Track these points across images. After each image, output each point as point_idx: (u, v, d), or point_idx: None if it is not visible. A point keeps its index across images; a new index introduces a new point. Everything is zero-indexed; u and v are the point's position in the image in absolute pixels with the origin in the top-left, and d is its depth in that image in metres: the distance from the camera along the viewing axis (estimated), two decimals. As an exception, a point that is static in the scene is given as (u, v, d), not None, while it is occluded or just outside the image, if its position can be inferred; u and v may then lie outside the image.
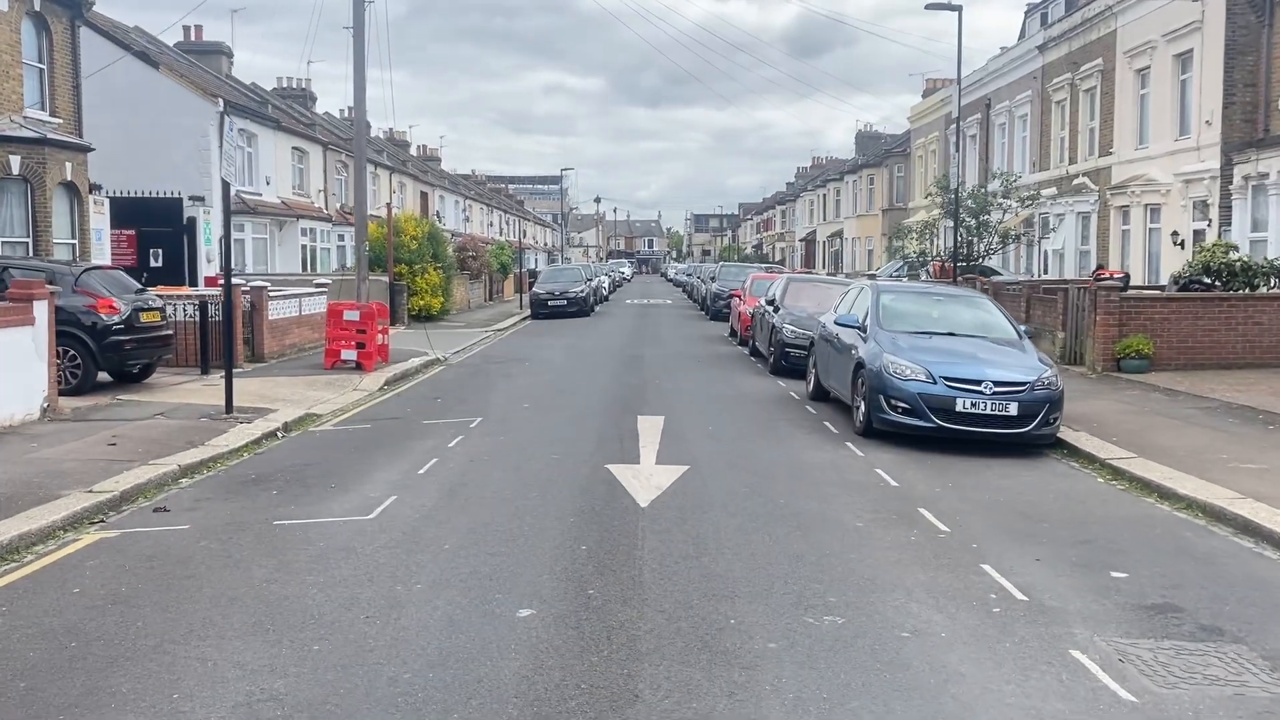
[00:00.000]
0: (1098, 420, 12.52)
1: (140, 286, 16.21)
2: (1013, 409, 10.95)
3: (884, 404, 11.39)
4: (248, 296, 19.76)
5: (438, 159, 71.98)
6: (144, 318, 15.31)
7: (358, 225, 21.33)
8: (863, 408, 11.87)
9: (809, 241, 75.17)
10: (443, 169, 70.95)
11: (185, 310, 18.00)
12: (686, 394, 15.71)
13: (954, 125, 33.17)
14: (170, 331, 16.20)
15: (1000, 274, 31.13)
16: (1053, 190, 33.11)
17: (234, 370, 18.17)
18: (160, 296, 17.97)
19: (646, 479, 9.36)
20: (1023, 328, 13.01)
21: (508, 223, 78.91)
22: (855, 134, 72.09)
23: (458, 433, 12.10)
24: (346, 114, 57.56)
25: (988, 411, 10.94)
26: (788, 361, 17.91)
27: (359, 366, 18.37)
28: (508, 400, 15.12)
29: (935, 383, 11.13)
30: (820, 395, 14.69)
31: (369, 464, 10.31)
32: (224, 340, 13.47)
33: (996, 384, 11.04)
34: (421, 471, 9.87)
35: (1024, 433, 11.02)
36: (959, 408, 10.97)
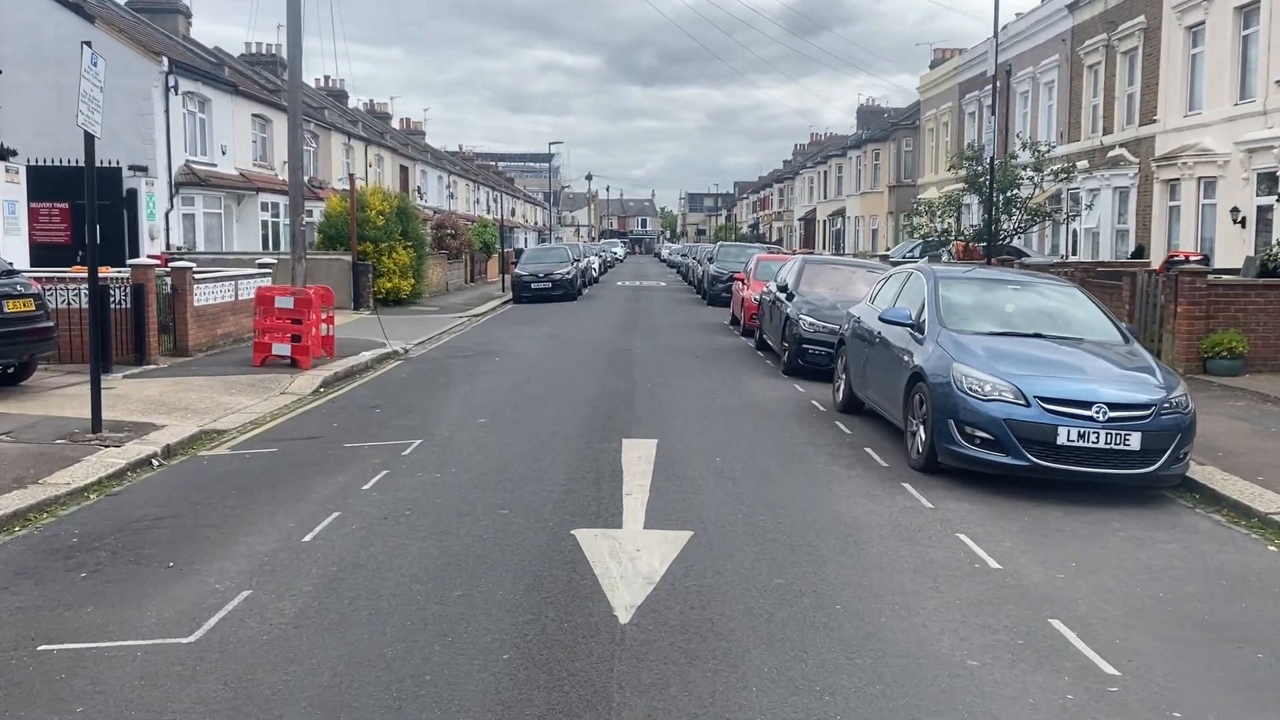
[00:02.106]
0: (1220, 446, 9.59)
1: (9, 268, 13.18)
2: (1134, 441, 7.95)
3: (955, 432, 8.39)
4: (167, 279, 16.77)
5: (421, 133, 68.62)
6: (10, 306, 12.27)
7: (292, 193, 18.21)
8: (922, 434, 8.87)
9: (808, 221, 71.94)
10: (427, 143, 67.58)
11: (84, 297, 14.98)
12: (685, 404, 12.68)
13: (986, 87, 30.12)
14: (50, 323, 13.14)
15: (1028, 255, 28.16)
16: (1084, 163, 30.09)
17: (145, 368, 15.43)
18: (53, 279, 15.08)
19: (630, 558, 6.34)
20: (1123, 325, 10.01)
21: (496, 200, 75.57)
22: (856, 108, 68.94)
23: (384, 464, 9.12)
24: (322, 83, 54.29)
25: (1101, 445, 7.96)
26: (805, 360, 14.92)
27: (294, 363, 15.41)
28: (462, 411, 12.13)
29: (1028, 404, 8.12)
30: (852, 407, 11.74)
31: (243, 518, 7.32)
32: (92, 335, 10.43)
33: (1111, 407, 8.05)
34: (309, 537, 6.87)
35: (1148, 474, 8.04)
36: (1061, 439, 7.96)
